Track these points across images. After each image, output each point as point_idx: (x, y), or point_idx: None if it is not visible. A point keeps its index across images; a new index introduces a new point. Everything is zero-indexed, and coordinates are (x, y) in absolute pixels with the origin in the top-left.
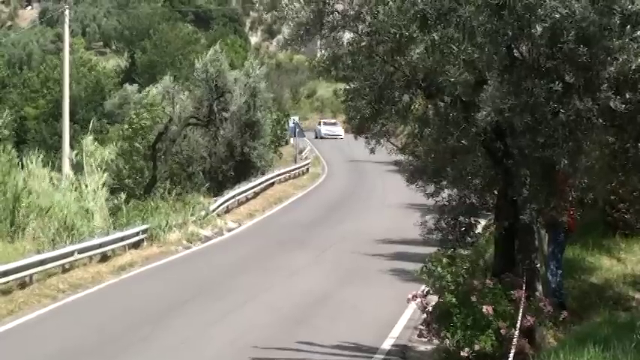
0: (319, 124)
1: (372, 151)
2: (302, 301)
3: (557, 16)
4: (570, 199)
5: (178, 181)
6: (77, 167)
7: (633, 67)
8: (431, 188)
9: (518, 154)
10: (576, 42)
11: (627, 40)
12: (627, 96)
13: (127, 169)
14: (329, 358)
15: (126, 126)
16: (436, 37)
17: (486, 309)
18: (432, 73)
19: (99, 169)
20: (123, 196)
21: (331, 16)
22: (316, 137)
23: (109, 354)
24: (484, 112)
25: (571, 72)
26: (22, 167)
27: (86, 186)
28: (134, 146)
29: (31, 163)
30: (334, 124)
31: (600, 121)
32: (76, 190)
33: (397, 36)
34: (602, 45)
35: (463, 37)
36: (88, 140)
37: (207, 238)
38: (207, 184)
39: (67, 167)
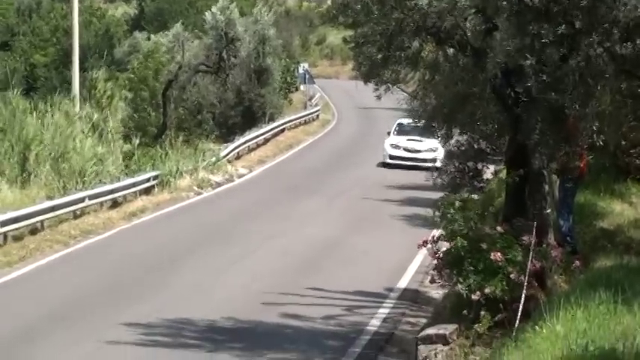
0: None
1: (379, 97)
2: (313, 246)
3: None
4: (581, 143)
5: (187, 127)
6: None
7: None
8: (441, 134)
9: (527, 99)
10: None
11: None
12: (637, 41)
13: (134, 117)
14: (340, 303)
15: (131, 75)
16: None
17: (494, 255)
18: (441, 19)
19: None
20: (136, 140)
21: None
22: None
23: (120, 299)
24: (495, 58)
25: (579, 16)
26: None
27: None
28: (140, 95)
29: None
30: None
31: (611, 67)
32: (88, 128)
33: None
34: None
35: None
36: (100, 74)
37: (218, 184)
38: (216, 131)
39: (77, 108)
